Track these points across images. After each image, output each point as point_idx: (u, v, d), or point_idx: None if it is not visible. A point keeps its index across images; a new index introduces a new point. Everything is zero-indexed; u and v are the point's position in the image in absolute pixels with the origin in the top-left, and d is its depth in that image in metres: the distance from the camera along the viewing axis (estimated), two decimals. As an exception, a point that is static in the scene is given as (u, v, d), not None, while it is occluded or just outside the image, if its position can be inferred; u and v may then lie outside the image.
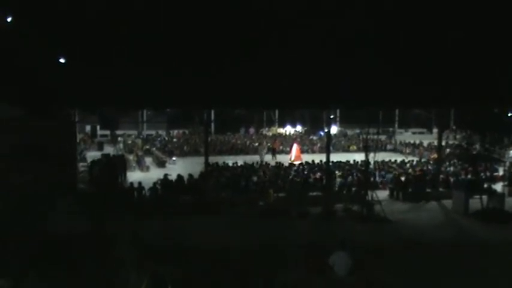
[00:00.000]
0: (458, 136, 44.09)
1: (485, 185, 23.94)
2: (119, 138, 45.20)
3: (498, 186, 25.95)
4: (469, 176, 25.87)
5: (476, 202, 22.62)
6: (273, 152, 38.83)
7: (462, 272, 14.51)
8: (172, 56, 20.45)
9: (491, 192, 23.48)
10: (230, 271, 13.55)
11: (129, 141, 44.84)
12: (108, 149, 39.63)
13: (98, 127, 46.90)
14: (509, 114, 37.82)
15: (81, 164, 30.91)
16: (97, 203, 20.51)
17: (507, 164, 31.21)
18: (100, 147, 41.81)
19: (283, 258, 15.04)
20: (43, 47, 19.10)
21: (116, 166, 26.49)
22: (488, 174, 25.79)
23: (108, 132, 48.01)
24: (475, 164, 24.64)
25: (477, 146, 24.48)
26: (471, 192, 23.11)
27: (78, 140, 34.79)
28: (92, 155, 35.23)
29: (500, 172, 29.27)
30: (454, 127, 49.73)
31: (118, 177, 26.33)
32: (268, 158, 37.37)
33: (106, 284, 7.65)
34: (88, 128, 47.35)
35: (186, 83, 21.30)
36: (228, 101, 24.42)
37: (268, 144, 42.13)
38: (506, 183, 27.22)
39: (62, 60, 20.56)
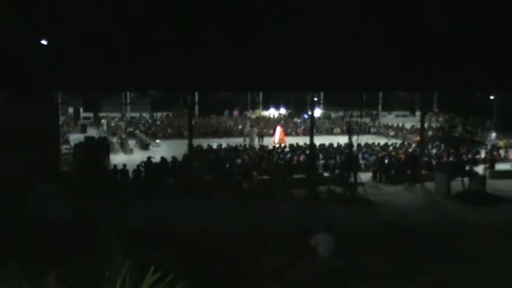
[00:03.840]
0: (441, 119, 44.37)
1: (467, 168, 24.17)
2: (102, 121, 44.87)
3: (480, 169, 26.22)
4: (451, 159, 26.09)
5: (458, 184, 22.85)
6: (261, 136, 38.66)
7: (444, 254, 14.67)
8: (156, 37, 20.30)
9: (473, 175, 23.74)
10: (214, 255, 13.60)
11: (113, 124, 44.57)
12: (92, 132, 39.35)
13: (81, 109, 46.44)
14: (491, 97, 38.21)
15: (64, 146, 30.69)
16: (79, 188, 20.43)
17: (489, 146, 31.55)
18: (83, 129, 41.51)
19: (267, 241, 15.11)
20: (24, 29, 18.87)
21: (99, 149, 26.31)
22: (470, 156, 26.04)
23: (91, 114, 47.60)
24: (457, 146, 24.81)
25: (459, 129, 24.61)
26: (453, 174, 23.34)
27: (60, 123, 34.47)
28: (75, 137, 34.98)
29: (482, 155, 29.58)
30: (436, 110, 50.06)
31: (102, 160, 26.16)
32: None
33: (90, 270, 7.64)
34: (71, 110, 46.87)
35: (170, 65, 21.17)
36: (212, 83, 24.31)
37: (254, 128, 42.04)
38: (487, 165, 27.53)
39: (44, 42, 20.32)
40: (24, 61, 20.16)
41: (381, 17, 19.85)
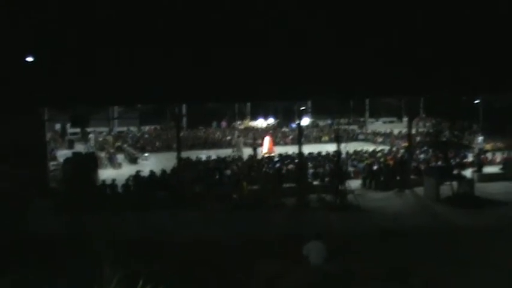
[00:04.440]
0: (428, 124, 44.57)
1: (456, 171, 24.29)
2: (90, 136, 44.65)
3: (468, 172, 26.35)
4: (440, 163, 26.22)
5: (447, 188, 22.98)
6: (254, 148, 38.34)
7: (436, 257, 14.72)
8: (142, 51, 20.32)
9: (461, 178, 23.86)
10: (206, 264, 13.55)
11: (100, 139, 44.36)
12: (79, 147, 39.16)
13: (68, 125, 46.18)
14: (477, 101, 38.49)
15: (51, 163, 30.51)
16: (70, 202, 20.32)
17: (476, 150, 31.71)
18: (70, 145, 41.28)
19: (259, 250, 15.08)
20: (10, 45, 18.83)
21: (87, 164, 26.18)
22: (458, 160, 26.17)
23: (78, 130, 47.34)
24: (445, 151, 24.95)
25: (447, 133, 24.77)
26: (442, 178, 23.45)
27: (47, 139, 34.27)
28: (63, 153, 34.79)
29: (470, 158, 29.73)
30: (423, 115, 50.29)
31: (90, 175, 26.03)
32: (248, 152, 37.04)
33: (82, 282, 7.61)
34: (58, 126, 46.61)
35: (157, 78, 21.18)
36: (199, 95, 24.32)
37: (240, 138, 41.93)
38: (475, 169, 27.69)
39: (30, 59, 20.27)
40: (10, 78, 20.09)
41: (366, 25, 19.99)
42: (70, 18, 19.03)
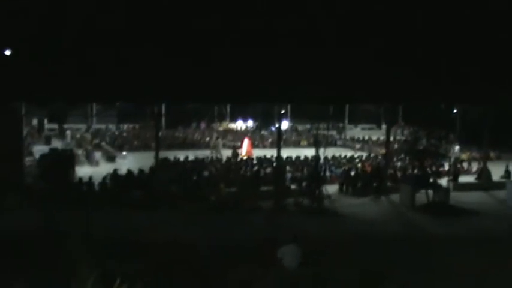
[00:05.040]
0: (406, 132, 45.01)
1: (432, 180, 24.57)
2: (67, 132, 44.24)
3: (444, 181, 26.65)
4: (416, 171, 26.50)
5: (422, 196, 23.23)
6: (235, 156, 38.16)
7: (410, 263, 14.88)
8: (123, 48, 20.22)
9: (437, 187, 24.13)
10: (181, 266, 13.51)
11: (78, 135, 44.00)
12: (56, 143, 38.77)
13: (46, 120, 45.70)
14: (455, 111, 38.95)
15: (27, 158, 30.16)
16: (45, 199, 20.11)
17: (452, 159, 32.10)
18: (47, 141, 40.81)
19: (235, 252, 15.08)
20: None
21: (64, 160, 25.94)
22: (434, 169, 26.46)
23: (55, 126, 46.89)
24: (422, 159, 25.23)
25: (424, 142, 25.07)
26: (418, 186, 23.70)
27: (24, 134, 33.88)
28: (39, 149, 34.41)
29: (446, 167, 30.11)
30: (402, 123, 50.73)
31: (66, 172, 25.80)
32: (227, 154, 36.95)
33: (56, 281, 7.55)
34: (35, 121, 46.10)
35: (137, 76, 21.07)
36: (179, 95, 24.24)
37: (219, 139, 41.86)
38: (451, 178, 28.02)
39: (7, 52, 20.05)
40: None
41: (348, 29, 20.13)
42: (51, 11, 18.86)
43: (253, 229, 19.01)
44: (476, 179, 29.92)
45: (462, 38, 21.16)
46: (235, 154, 35.11)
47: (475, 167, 32.42)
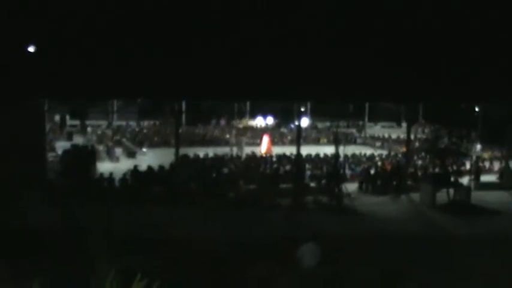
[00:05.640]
0: (426, 130, 44.66)
1: (453, 179, 24.36)
2: (88, 129, 44.66)
3: (465, 180, 26.42)
4: (437, 170, 26.29)
5: (443, 195, 23.04)
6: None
7: (430, 263, 14.77)
8: (144, 45, 20.32)
9: (458, 186, 23.93)
10: (200, 263, 13.56)
11: (99, 132, 44.38)
12: (78, 139, 39.16)
13: (68, 117, 46.14)
14: (476, 109, 38.53)
15: (50, 154, 30.50)
16: (67, 195, 20.30)
17: (473, 158, 31.80)
18: (69, 137, 41.25)
19: (253, 249, 15.09)
20: (11, 35, 18.81)
21: (86, 156, 26.20)
22: (455, 168, 26.25)
23: (77, 122, 47.31)
24: (443, 157, 25.04)
25: (445, 140, 24.88)
26: (438, 185, 23.51)
27: (47, 130, 34.26)
28: (61, 145, 34.78)
29: (467, 166, 29.85)
30: (422, 121, 50.34)
31: (88, 168, 26.05)
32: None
33: (75, 277, 7.63)
34: (57, 117, 46.54)
35: (158, 73, 21.16)
36: (200, 92, 24.31)
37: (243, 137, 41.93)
38: (472, 177, 27.75)
39: (31, 49, 20.26)
40: (11, 67, 20.07)
41: (369, 28, 20.02)
42: (73, 9, 19.01)
43: (272, 226, 19.00)
44: (498, 178, 29.59)
45: (484, 36, 20.92)
46: (254, 156, 35.08)
47: (496, 166, 32.10)
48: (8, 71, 20.01)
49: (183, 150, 29.16)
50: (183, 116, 46.43)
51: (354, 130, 49.06)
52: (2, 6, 17.66)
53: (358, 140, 46.17)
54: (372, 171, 27.74)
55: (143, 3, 19.32)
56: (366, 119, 53.87)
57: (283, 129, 49.58)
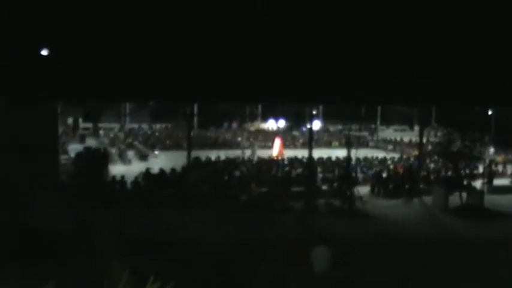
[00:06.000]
0: (439, 133, 44.47)
1: (465, 182, 24.24)
2: (101, 131, 44.92)
3: (478, 184, 26.26)
4: (450, 173, 26.17)
5: (456, 199, 22.92)
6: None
7: (442, 266, 14.70)
8: (157, 48, 20.40)
9: (471, 189, 23.79)
10: (212, 265, 13.59)
11: (112, 134, 44.61)
12: (90, 142, 39.39)
13: (80, 120, 46.44)
14: (489, 113, 38.35)
15: (62, 156, 30.69)
16: (79, 196, 20.41)
17: (487, 161, 31.62)
18: (82, 139, 41.52)
19: (264, 252, 15.09)
20: (25, 37, 18.96)
21: (98, 159, 26.36)
22: (468, 171, 26.12)
23: (90, 125, 47.60)
24: (456, 161, 24.92)
25: (458, 144, 24.78)
26: (451, 188, 23.39)
27: (59, 132, 34.49)
28: (74, 147, 35.00)
29: (480, 169, 29.68)
30: (435, 124, 50.13)
31: (101, 170, 26.20)
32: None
33: (89, 279, 7.66)
34: (70, 120, 46.87)
35: (170, 76, 21.24)
36: (212, 95, 24.38)
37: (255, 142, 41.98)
38: (485, 180, 27.58)
39: (44, 52, 20.42)
40: (24, 70, 20.24)
41: (379, 31, 19.98)
42: (87, 12, 19.13)
43: (283, 229, 18.98)
44: (511, 181, 29.39)
45: (498, 40, 20.81)
46: (266, 159, 35.08)
47: (510, 169, 31.88)
48: (22, 74, 20.18)
49: (195, 153, 29.27)
50: (195, 119, 46.59)
51: (366, 133, 48.93)
52: (18, 9, 17.81)
53: (370, 143, 46.04)
54: (384, 175, 27.66)
55: (158, 7, 19.40)
56: (378, 122, 53.69)
57: (295, 132, 49.54)
